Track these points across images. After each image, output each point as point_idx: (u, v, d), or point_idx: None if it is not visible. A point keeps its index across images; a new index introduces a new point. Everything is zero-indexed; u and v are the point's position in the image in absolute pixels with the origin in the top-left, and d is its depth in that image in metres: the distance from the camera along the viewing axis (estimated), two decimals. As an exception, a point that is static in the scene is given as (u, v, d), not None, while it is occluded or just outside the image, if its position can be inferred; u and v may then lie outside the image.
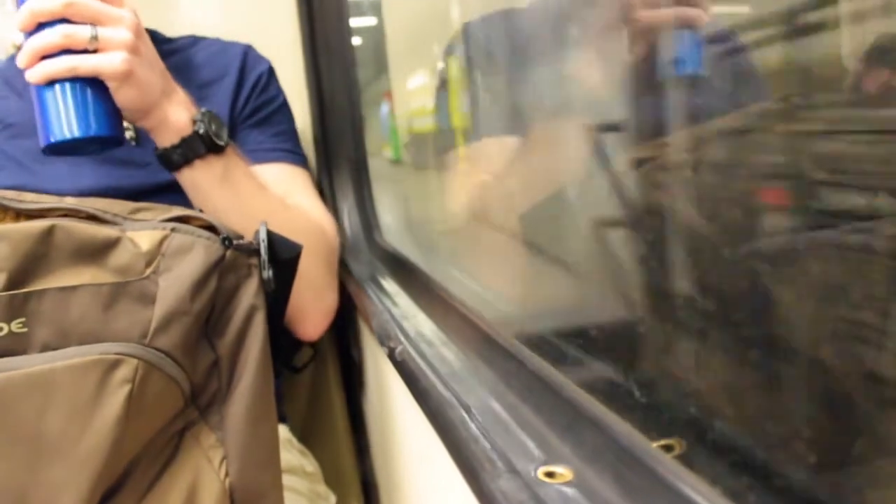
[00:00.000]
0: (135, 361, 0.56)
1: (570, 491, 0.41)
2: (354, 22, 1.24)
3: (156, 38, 0.87)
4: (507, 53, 0.73)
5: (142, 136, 0.84)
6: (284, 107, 0.96)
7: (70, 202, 0.62)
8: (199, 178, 0.76)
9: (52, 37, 0.67)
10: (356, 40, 1.24)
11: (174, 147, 0.75)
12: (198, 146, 0.75)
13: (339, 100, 1.24)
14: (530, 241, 0.71)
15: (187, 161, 0.75)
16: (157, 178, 0.83)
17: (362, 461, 1.12)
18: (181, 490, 0.59)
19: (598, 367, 0.50)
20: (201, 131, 0.75)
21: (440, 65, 0.94)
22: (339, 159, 1.24)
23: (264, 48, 1.00)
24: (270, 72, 0.96)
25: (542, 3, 0.68)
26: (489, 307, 0.69)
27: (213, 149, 0.76)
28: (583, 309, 0.57)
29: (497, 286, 0.75)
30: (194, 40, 0.97)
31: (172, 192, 0.80)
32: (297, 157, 0.94)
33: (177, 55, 0.93)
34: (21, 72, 0.86)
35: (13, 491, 0.54)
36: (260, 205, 0.80)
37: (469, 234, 0.85)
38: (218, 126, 0.77)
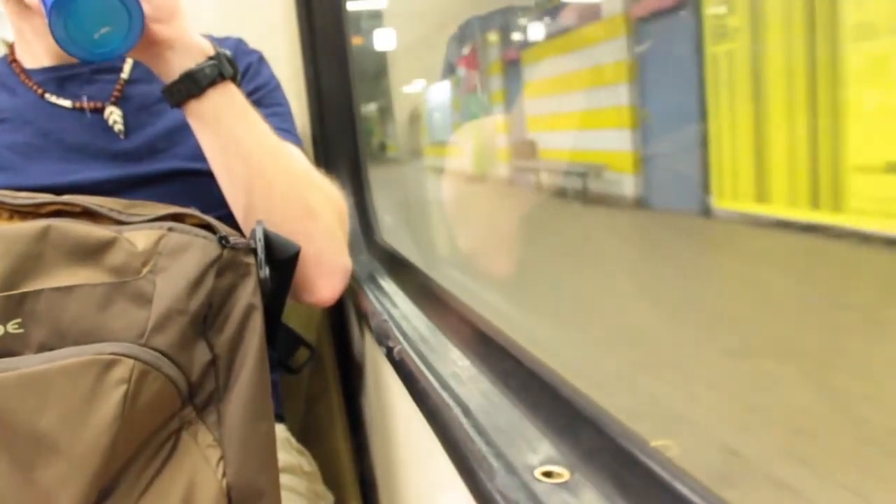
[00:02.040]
0: (131, 361, 0.55)
1: (567, 491, 0.41)
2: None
3: None
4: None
5: (129, 128, 0.83)
6: (278, 90, 0.95)
7: (65, 198, 0.62)
8: (225, 104, 0.71)
9: None
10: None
11: (201, 66, 0.70)
12: (225, 65, 0.71)
13: (338, 99, 1.24)
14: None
15: (213, 83, 0.70)
16: (147, 170, 0.81)
17: (360, 461, 1.12)
18: (178, 490, 0.59)
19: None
20: (226, 53, 0.71)
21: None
22: (338, 159, 1.24)
23: (262, 49, 1.00)
24: (261, 59, 0.95)
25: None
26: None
27: (236, 75, 0.72)
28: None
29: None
30: None
31: (162, 184, 0.79)
32: (296, 138, 0.93)
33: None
34: (12, 70, 0.86)
35: (9, 491, 0.54)
36: (278, 145, 0.76)
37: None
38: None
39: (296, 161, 0.78)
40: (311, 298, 0.79)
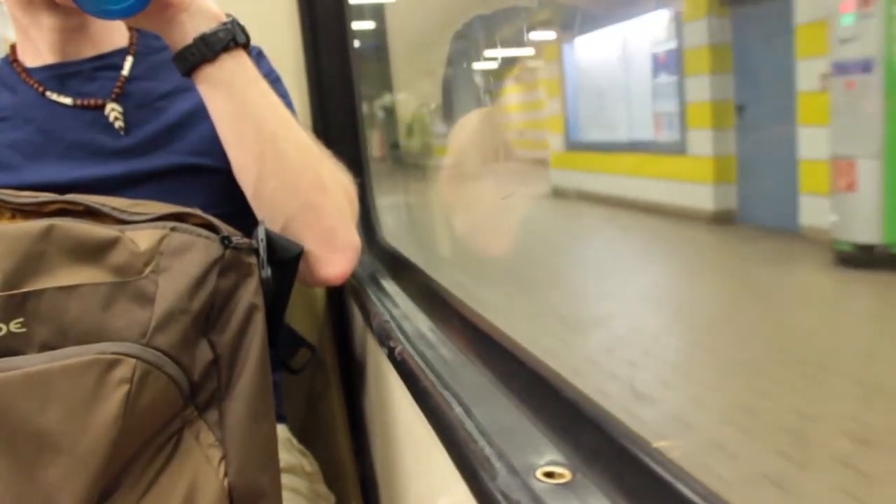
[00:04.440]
0: (133, 361, 0.55)
1: (569, 491, 0.41)
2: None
3: (149, 32, 0.86)
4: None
5: (129, 125, 0.83)
6: (279, 82, 0.94)
7: (68, 197, 0.62)
8: (238, 70, 0.71)
9: None
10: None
11: (214, 30, 0.70)
12: (238, 32, 0.71)
13: (341, 96, 1.24)
14: None
15: (227, 48, 0.70)
16: (147, 166, 0.81)
17: (361, 461, 1.12)
18: (180, 489, 0.59)
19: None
20: (239, 22, 0.71)
21: None
22: (339, 157, 1.24)
23: (263, 45, 1.00)
24: (260, 54, 0.95)
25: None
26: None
27: (248, 43, 0.72)
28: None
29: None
30: None
31: (163, 180, 0.79)
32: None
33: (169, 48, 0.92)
34: (13, 69, 0.86)
35: (11, 490, 0.54)
36: (289, 116, 0.76)
37: None
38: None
39: (305, 134, 0.77)
40: (320, 275, 0.76)
